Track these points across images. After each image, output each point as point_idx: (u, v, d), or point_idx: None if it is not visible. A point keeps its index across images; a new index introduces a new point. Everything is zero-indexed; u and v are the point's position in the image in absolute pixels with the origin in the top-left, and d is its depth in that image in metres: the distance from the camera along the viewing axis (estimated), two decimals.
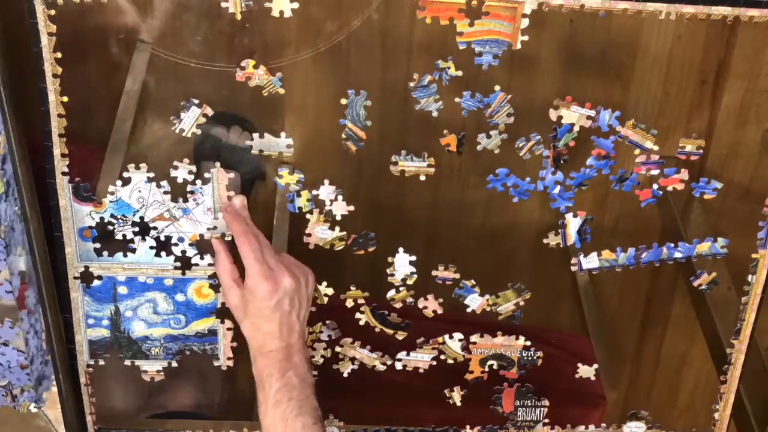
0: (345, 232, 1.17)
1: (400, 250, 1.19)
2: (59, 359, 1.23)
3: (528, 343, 1.28)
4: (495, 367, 1.30)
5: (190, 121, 1.09)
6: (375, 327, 1.25)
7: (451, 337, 1.26)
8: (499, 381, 1.31)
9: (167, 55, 1.08)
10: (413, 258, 1.19)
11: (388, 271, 1.20)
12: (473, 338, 1.27)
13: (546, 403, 1.33)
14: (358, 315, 1.24)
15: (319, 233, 1.17)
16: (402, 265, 1.20)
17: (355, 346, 1.26)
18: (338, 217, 1.16)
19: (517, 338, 1.28)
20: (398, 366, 1.28)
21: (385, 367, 1.28)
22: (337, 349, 1.27)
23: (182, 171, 1.12)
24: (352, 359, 1.28)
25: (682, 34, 1.12)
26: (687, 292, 1.28)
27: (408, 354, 1.27)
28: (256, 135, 1.09)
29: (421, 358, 1.28)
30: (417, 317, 1.24)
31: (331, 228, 1.17)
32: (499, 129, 1.12)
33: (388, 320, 1.25)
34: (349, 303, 1.23)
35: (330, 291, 1.22)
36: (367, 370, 1.28)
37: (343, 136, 1.10)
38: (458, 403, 1.32)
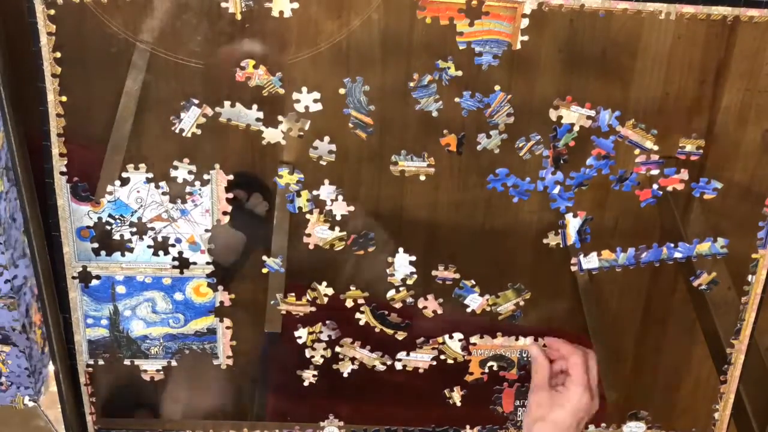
0: (345, 232, 1.17)
1: (400, 250, 1.19)
2: (59, 359, 1.23)
3: (528, 343, 1.28)
4: (495, 368, 1.30)
5: (190, 121, 1.09)
6: (375, 327, 1.25)
7: (451, 337, 1.26)
8: (499, 381, 1.31)
9: (167, 55, 1.08)
10: (413, 258, 1.19)
11: (388, 271, 1.20)
12: (473, 339, 1.27)
13: None
14: (358, 315, 1.23)
15: (319, 233, 1.17)
16: (402, 265, 1.20)
17: (355, 346, 1.26)
18: (338, 217, 1.16)
19: (516, 339, 1.27)
20: (398, 366, 1.28)
21: (385, 367, 1.28)
22: (337, 349, 1.26)
23: (182, 171, 1.12)
24: (352, 359, 1.27)
25: (682, 34, 1.11)
26: (687, 292, 1.28)
27: (408, 354, 1.27)
28: (227, 103, 1.08)
29: (421, 358, 1.28)
30: (417, 317, 1.24)
31: (331, 228, 1.17)
32: (499, 129, 1.11)
33: (388, 320, 1.24)
34: (349, 303, 1.23)
35: (330, 291, 1.21)
36: (367, 370, 1.28)
37: (350, 125, 1.10)
38: (458, 403, 1.32)
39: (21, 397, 1.25)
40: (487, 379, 1.30)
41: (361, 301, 1.22)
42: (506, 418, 1.33)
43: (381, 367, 1.28)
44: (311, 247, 1.17)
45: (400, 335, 1.26)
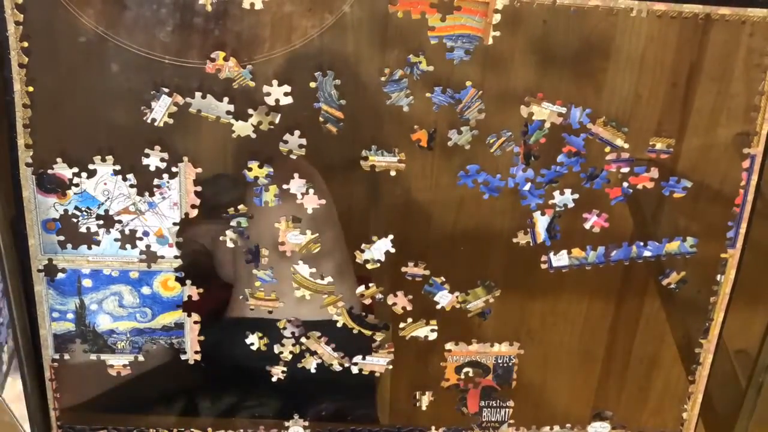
0: (317, 234, 1.16)
1: (374, 238, 1.17)
2: (24, 353, 1.21)
3: (503, 349, 1.28)
4: (471, 374, 1.30)
5: (162, 110, 1.08)
6: (353, 329, 1.24)
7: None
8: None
9: (137, 47, 1.07)
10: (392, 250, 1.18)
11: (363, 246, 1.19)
12: (448, 345, 1.27)
13: (511, 403, 1.32)
14: (335, 317, 1.22)
15: (292, 239, 1.16)
16: (378, 249, 1.18)
17: (321, 340, 1.25)
18: (309, 211, 1.15)
19: (492, 345, 1.27)
20: (354, 370, 1.27)
21: (341, 368, 1.27)
22: (303, 340, 1.25)
23: (154, 159, 1.10)
24: (314, 353, 1.26)
25: (655, 35, 1.12)
26: (656, 292, 1.28)
27: (364, 358, 1.26)
28: (198, 93, 1.07)
29: (377, 362, 1.27)
30: None
31: (302, 233, 1.16)
32: (470, 125, 1.11)
33: (365, 321, 1.24)
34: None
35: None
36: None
37: (321, 119, 1.10)
38: (424, 408, 1.31)
39: None
40: (462, 386, 1.30)
41: (340, 304, 1.22)
42: (471, 418, 1.33)
43: (338, 368, 1.27)
44: (288, 254, 1.16)
45: (378, 336, 1.25)
